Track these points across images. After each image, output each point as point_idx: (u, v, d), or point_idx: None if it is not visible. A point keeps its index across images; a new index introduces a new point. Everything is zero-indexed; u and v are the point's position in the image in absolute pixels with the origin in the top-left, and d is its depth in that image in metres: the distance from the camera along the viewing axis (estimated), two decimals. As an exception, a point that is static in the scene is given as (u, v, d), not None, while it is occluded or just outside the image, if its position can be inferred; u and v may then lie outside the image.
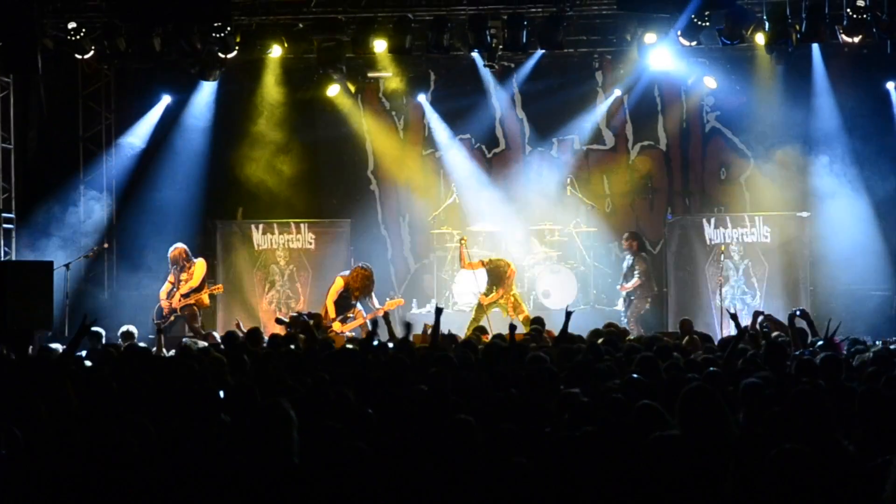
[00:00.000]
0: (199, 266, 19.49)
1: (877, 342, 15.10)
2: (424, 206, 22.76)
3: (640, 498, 6.02)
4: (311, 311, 18.78)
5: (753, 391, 7.72)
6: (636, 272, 19.93)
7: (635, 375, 8.98)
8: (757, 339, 12.47)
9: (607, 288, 21.34)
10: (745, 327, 11.99)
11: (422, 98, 22.60)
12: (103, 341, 14.96)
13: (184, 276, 19.35)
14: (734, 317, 13.11)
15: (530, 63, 21.68)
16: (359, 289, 18.81)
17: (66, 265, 20.05)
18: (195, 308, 19.26)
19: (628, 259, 20.37)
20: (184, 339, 15.18)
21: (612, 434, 6.65)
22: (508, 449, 6.58)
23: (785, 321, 13.89)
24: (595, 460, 6.41)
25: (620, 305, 20.32)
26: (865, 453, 6.87)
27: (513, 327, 12.92)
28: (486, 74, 22.02)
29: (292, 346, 13.44)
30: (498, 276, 18.89)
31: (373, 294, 19.06)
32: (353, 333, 18.19)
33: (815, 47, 20.28)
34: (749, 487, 5.94)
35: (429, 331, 15.23)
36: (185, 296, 19.29)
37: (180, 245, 19.66)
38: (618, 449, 6.49)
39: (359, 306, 18.95)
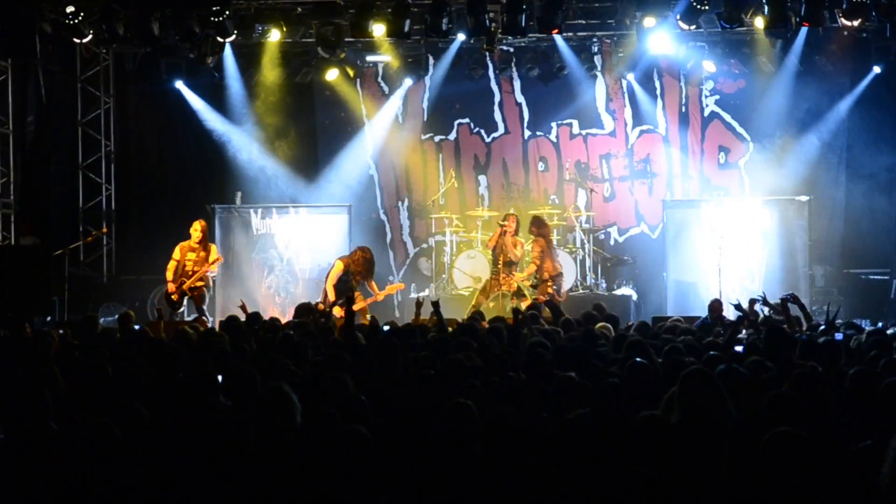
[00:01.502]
0: (214, 252, 19.33)
1: (879, 325, 15.09)
2: (423, 190, 22.78)
3: (638, 482, 6.02)
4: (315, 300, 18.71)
5: (732, 377, 7.73)
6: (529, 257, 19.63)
7: (638, 359, 8.95)
8: (756, 324, 12.46)
9: (606, 272, 21.33)
10: (746, 313, 11.96)
11: (411, 84, 22.52)
12: (99, 326, 14.93)
13: (192, 255, 19.05)
14: (738, 307, 13.11)
15: (529, 47, 21.63)
16: (360, 272, 18.77)
17: (66, 250, 20.05)
18: (204, 290, 19.14)
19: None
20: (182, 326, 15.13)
21: (608, 417, 6.65)
22: (506, 433, 6.58)
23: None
24: (591, 444, 6.40)
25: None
26: (860, 436, 6.88)
27: (517, 312, 12.95)
28: (486, 59, 21.98)
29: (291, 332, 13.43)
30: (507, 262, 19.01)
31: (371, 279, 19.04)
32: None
33: (808, 31, 20.16)
34: (745, 470, 5.95)
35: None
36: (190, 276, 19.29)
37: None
38: (614, 432, 6.49)
39: (359, 291, 18.94)
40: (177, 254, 18.97)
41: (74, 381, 8.92)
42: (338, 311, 18.27)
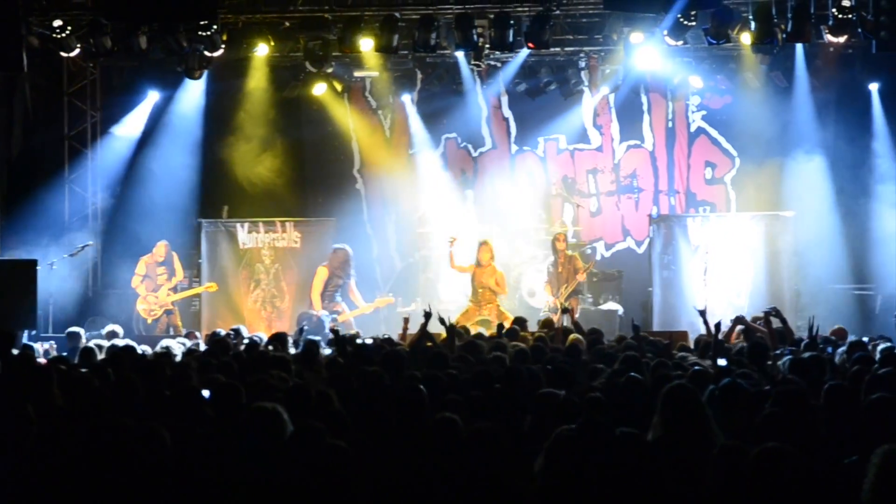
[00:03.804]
0: (177, 259, 19.62)
1: (863, 339, 15.11)
2: (410, 204, 22.77)
3: (621, 496, 6.03)
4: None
5: (732, 392, 7.75)
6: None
7: (633, 374, 8.95)
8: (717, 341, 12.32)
9: (593, 287, 21.32)
10: (718, 324, 11.90)
11: (406, 98, 22.54)
12: (83, 340, 14.92)
13: (161, 269, 19.41)
14: (703, 313, 13.15)
15: (517, 62, 21.66)
16: (338, 267, 18.85)
17: (51, 263, 20.03)
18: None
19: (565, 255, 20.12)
20: (164, 339, 15.14)
21: (592, 433, 6.66)
22: (490, 447, 6.58)
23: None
24: (576, 458, 6.41)
25: (552, 300, 19.95)
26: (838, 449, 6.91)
27: (500, 327, 12.96)
28: (473, 74, 22.00)
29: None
30: (486, 283, 19.02)
31: (353, 283, 19.01)
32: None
33: (799, 47, 20.29)
34: (730, 486, 5.95)
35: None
36: (174, 290, 19.36)
37: (167, 242, 19.80)
38: (598, 447, 6.50)
39: (343, 304, 18.98)
40: (141, 268, 19.25)
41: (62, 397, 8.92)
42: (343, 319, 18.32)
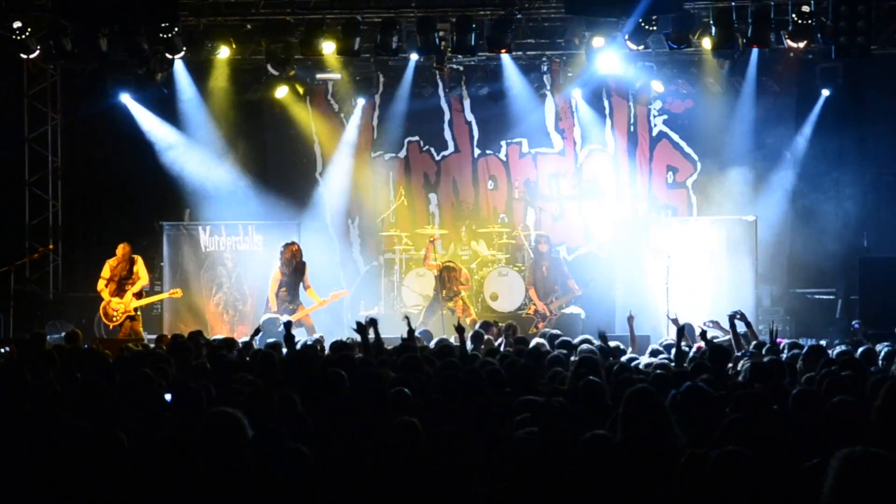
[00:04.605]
0: (141, 263, 19.46)
1: (824, 342, 15.21)
2: (373, 208, 22.76)
3: (582, 499, 6.05)
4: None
5: (695, 395, 7.78)
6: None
7: (592, 377, 8.96)
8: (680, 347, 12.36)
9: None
10: (682, 328, 11.97)
11: (368, 101, 22.57)
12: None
13: (126, 273, 19.25)
14: (676, 321, 13.19)
15: (479, 66, 21.70)
16: (286, 263, 18.83)
17: (11, 267, 19.90)
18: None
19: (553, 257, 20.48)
20: (128, 343, 15.05)
21: (555, 436, 6.67)
22: (452, 451, 6.58)
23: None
24: (539, 462, 6.42)
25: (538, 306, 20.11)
26: (806, 455, 6.95)
27: (461, 329, 12.95)
28: (435, 77, 22.02)
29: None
30: (451, 278, 19.14)
31: (307, 280, 18.98)
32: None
33: (755, 53, 20.35)
34: (691, 490, 5.98)
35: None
36: (138, 295, 19.23)
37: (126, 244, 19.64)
38: (560, 451, 6.51)
39: (300, 302, 18.95)
40: (107, 272, 19.08)
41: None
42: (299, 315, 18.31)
